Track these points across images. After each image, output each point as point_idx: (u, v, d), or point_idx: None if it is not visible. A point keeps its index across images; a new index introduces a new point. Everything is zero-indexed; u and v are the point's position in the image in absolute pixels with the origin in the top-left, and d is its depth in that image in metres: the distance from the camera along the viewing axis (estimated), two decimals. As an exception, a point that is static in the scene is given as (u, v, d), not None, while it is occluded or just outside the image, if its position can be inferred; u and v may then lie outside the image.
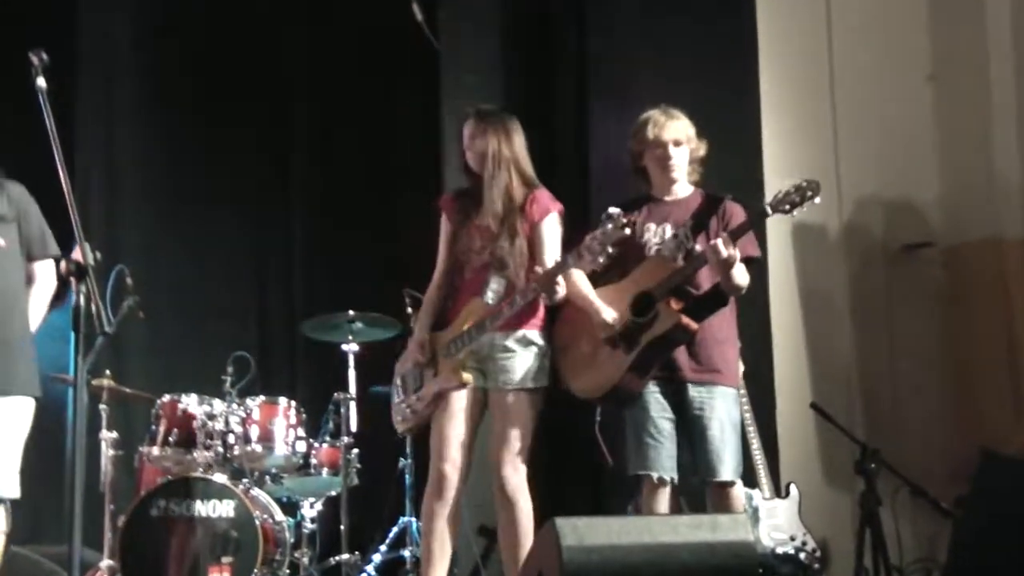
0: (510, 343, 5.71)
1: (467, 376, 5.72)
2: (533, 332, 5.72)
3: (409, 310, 6.97)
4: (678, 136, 5.77)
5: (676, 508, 5.80)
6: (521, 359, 5.71)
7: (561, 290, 5.56)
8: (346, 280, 7.39)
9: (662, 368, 5.64)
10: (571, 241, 5.59)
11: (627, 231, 5.32)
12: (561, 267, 5.50)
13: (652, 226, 5.78)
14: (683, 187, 5.83)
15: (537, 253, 5.75)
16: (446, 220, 6.01)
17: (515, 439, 5.69)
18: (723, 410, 5.64)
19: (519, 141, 5.88)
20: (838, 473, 7.16)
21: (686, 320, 5.50)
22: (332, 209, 8.73)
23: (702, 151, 5.85)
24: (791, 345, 7.41)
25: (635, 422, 5.70)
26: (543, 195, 5.85)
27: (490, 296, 5.74)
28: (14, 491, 5.17)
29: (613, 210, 5.32)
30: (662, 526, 4.95)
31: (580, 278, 5.73)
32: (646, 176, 5.89)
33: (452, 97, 7.87)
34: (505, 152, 5.83)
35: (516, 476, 5.68)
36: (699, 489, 5.74)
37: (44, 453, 5.75)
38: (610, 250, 5.34)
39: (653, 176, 5.87)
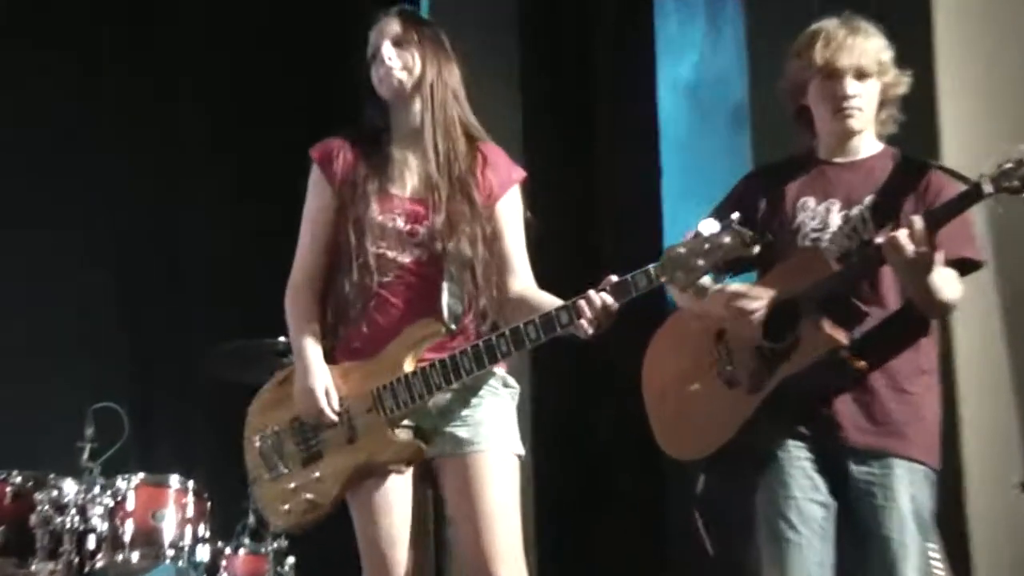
0: (487, 388, 4.33)
1: (422, 447, 4.29)
2: (502, 370, 4.38)
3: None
4: (863, 62, 4.35)
5: None
6: (500, 409, 4.33)
7: (610, 320, 4.06)
8: (268, 293, 5.23)
9: (811, 422, 4.26)
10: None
11: (754, 251, 3.96)
12: (628, 288, 3.94)
13: (810, 202, 4.40)
14: (868, 143, 4.43)
15: (496, 248, 4.39)
16: (324, 180, 4.48)
17: (508, 525, 4.29)
18: (906, 496, 4.19)
19: (457, 71, 4.48)
20: None
21: (844, 348, 4.17)
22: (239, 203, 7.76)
23: (902, 88, 4.41)
24: (988, 397, 5.89)
25: (768, 502, 4.32)
26: (499, 152, 4.46)
27: (447, 313, 4.27)
28: None
29: (733, 218, 3.92)
30: None
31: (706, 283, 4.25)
32: (809, 123, 4.45)
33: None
34: (448, 79, 4.42)
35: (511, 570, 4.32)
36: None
37: None
38: (714, 273, 3.98)
39: (820, 124, 4.46)
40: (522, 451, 4.39)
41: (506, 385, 4.33)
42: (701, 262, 3.92)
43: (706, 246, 3.91)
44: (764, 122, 6.01)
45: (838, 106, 4.35)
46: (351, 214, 4.38)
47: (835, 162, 4.49)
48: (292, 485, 4.42)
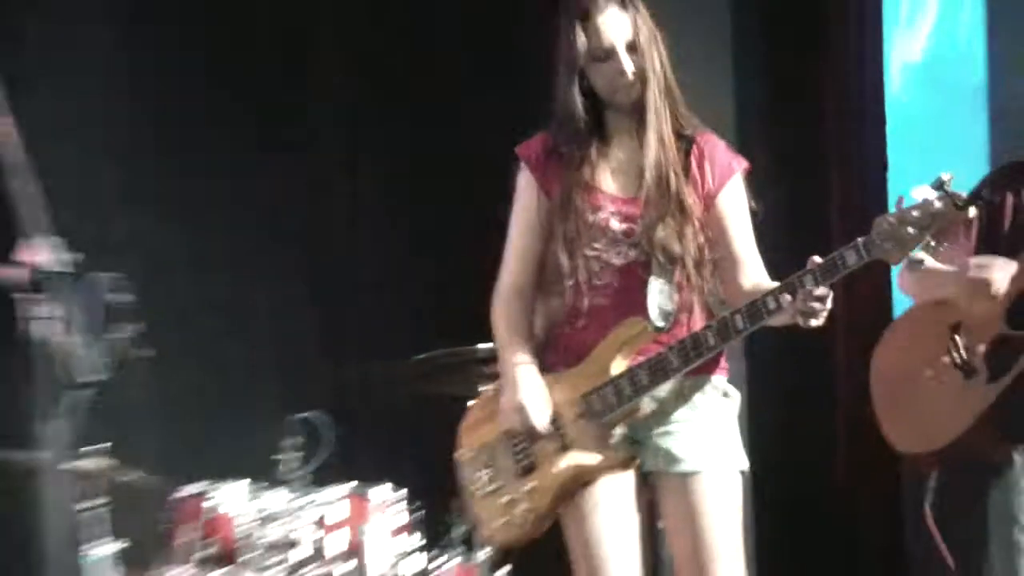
0: (703, 396, 4.36)
1: (631, 453, 4.37)
2: (721, 378, 4.40)
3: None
4: None
5: None
6: (720, 422, 4.39)
7: (826, 309, 4.08)
8: (466, 301, 5.57)
9: None
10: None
11: (970, 214, 4.00)
12: (836, 267, 3.98)
13: None
14: None
15: (722, 243, 4.35)
16: (535, 184, 4.49)
17: (727, 546, 4.37)
18: None
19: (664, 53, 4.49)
20: None
21: None
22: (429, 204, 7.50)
23: None
24: None
25: (1003, 510, 4.55)
26: (718, 143, 4.45)
27: (656, 312, 4.27)
28: None
29: (946, 176, 3.91)
30: None
31: (929, 276, 4.52)
32: None
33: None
34: (669, 79, 4.41)
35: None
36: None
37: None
38: (931, 242, 3.98)
39: None
40: (746, 466, 4.40)
41: (726, 395, 4.35)
42: (913, 231, 3.88)
43: (916, 213, 3.86)
44: (1005, 108, 6.09)
45: None
46: (563, 216, 4.39)
47: None
48: (507, 499, 4.46)
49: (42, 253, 3.65)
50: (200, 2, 7.66)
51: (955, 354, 4.55)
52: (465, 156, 6.88)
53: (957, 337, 4.54)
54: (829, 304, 3.97)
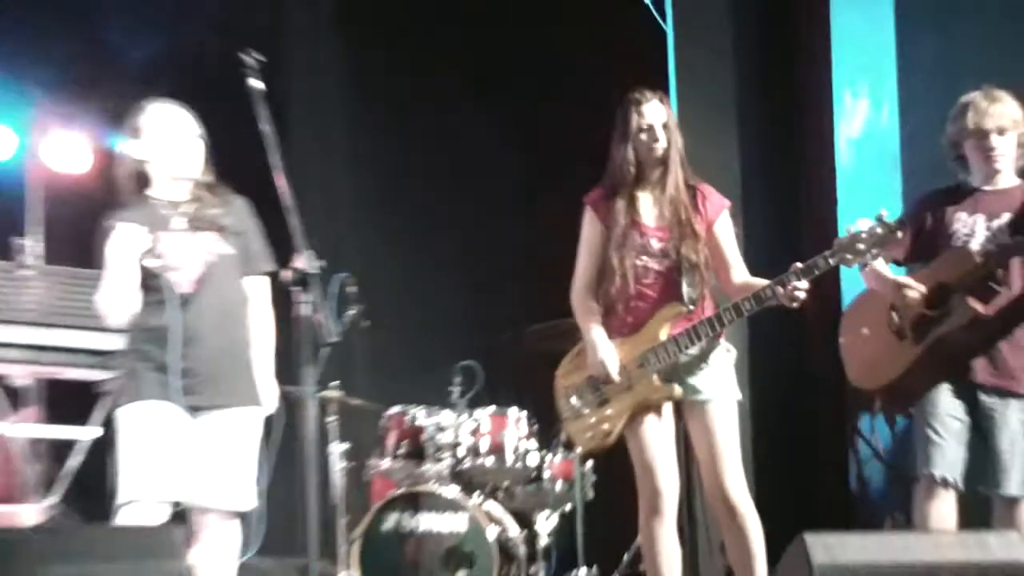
0: (706, 354, 5.27)
1: (677, 389, 5.22)
2: (726, 345, 5.34)
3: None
4: (1003, 123, 5.29)
5: (960, 518, 5.24)
6: (719, 369, 5.29)
7: (804, 294, 4.99)
8: (563, 293, 6.79)
9: (957, 369, 5.26)
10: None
11: (898, 235, 4.90)
12: (811, 269, 4.93)
13: (963, 216, 5.33)
14: (1007, 177, 5.36)
15: (717, 254, 5.31)
16: (596, 219, 5.45)
17: (732, 451, 5.29)
18: (1016, 421, 5.20)
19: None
20: None
21: (983, 317, 5.12)
22: (550, 214, 7.91)
23: None
24: None
25: (922, 418, 5.29)
26: (711, 189, 5.41)
27: (687, 299, 5.24)
28: (248, 503, 5.09)
29: (882, 214, 4.90)
30: (923, 544, 4.61)
31: (879, 268, 5.37)
32: (965, 165, 5.41)
33: (684, 81, 7.36)
34: (680, 149, 5.34)
35: (741, 489, 5.24)
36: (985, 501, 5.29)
37: (277, 464, 5.44)
38: (874, 252, 4.93)
39: (974, 165, 5.37)
40: (740, 396, 5.34)
41: (728, 351, 5.26)
42: (862, 246, 4.82)
43: (864, 235, 4.80)
44: (913, 169, 6.73)
45: (987, 155, 5.24)
46: (615, 238, 5.33)
47: (984, 189, 5.31)
48: (592, 421, 5.43)
49: (303, 261, 4.56)
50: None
51: (891, 324, 5.34)
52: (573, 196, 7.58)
53: (893, 313, 5.33)
54: (805, 294, 4.91)
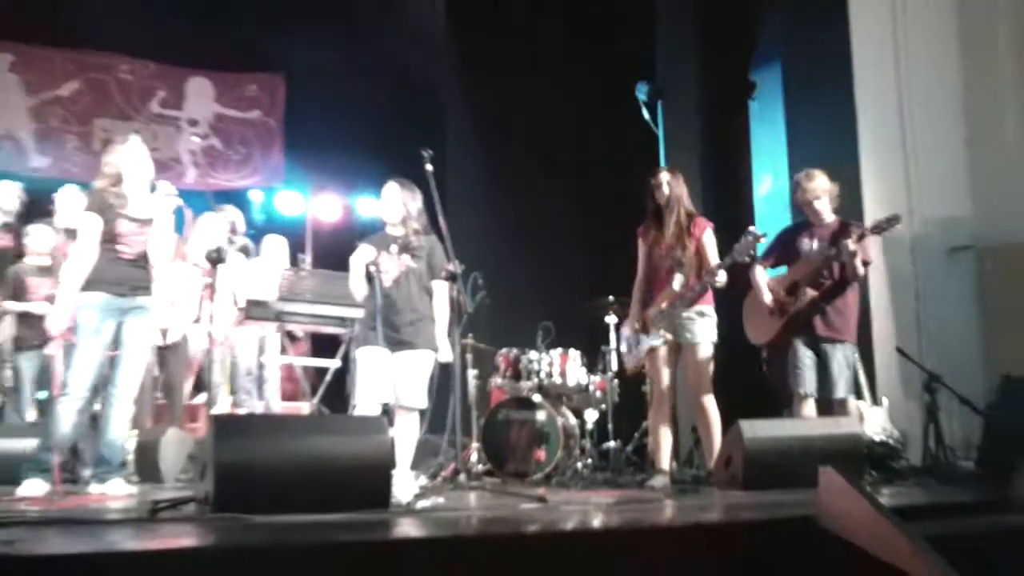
0: (692, 314, 6.08)
1: (668, 336, 6.16)
2: (707, 307, 6.12)
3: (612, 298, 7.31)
4: (818, 193, 6.18)
5: (819, 414, 6.10)
6: (701, 324, 6.09)
7: (722, 278, 5.92)
8: (605, 279, 7.59)
9: (806, 328, 6.09)
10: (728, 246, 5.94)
11: (759, 239, 5.80)
12: (722, 265, 5.93)
13: (806, 240, 6.20)
14: (828, 216, 6.20)
15: (703, 257, 6.11)
16: (642, 243, 6.34)
17: (703, 374, 6.08)
18: (842, 355, 6.07)
19: (684, 186, 6.26)
20: (913, 391, 7.38)
21: (816, 300, 6.00)
22: (590, 239, 8.92)
23: (836, 192, 6.20)
24: (884, 314, 7.74)
25: (791, 358, 6.12)
26: (700, 219, 6.18)
27: (676, 285, 6.13)
28: (422, 403, 5.77)
29: (751, 229, 5.86)
30: (807, 424, 5.64)
31: (759, 272, 6.23)
32: (804, 214, 6.30)
33: (670, 160, 7.83)
34: (679, 192, 6.19)
35: (707, 397, 6.08)
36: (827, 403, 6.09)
37: (440, 384, 6.08)
38: (752, 253, 5.87)
39: (810, 214, 6.26)
40: (715, 340, 6.08)
41: (703, 314, 6.08)
42: (742, 246, 5.76)
43: (744, 242, 5.77)
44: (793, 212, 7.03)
45: (812, 210, 6.16)
46: (652, 251, 6.22)
47: (815, 225, 6.17)
48: (631, 355, 6.39)
49: (453, 266, 5.56)
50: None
51: (771, 305, 6.19)
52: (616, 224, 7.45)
53: (771, 298, 6.20)
54: (724, 277, 5.83)
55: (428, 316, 5.86)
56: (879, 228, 5.90)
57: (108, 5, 9.86)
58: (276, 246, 8.66)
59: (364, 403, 5.62)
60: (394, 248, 5.81)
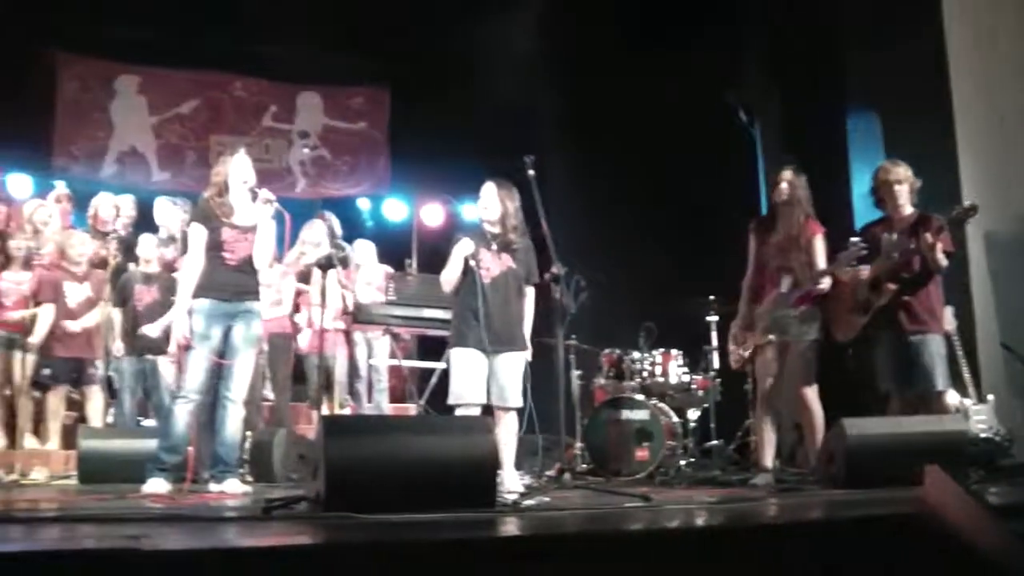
0: (796, 313, 6.04)
1: (772, 336, 6.11)
2: (812, 308, 6.07)
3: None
4: (900, 178, 6.02)
5: (913, 412, 5.86)
6: (804, 322, 6.04)
7: (826, 284, 5.90)
8: (706, 279, 7.64)
9: (891, 323, 5.94)
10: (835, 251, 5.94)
11: (863, 252, 5.77)
12: (826, 271, 5.94)
13: (885, 234, 6.02)
14: (906, 207, 6.06)
15: (812, 260, 6.07)
16: (753, 239, 6.32)
17: (807, 371, 6.01)
18: (933, 347, 5.89)
19: (806, 188, 6.21)
20: (1020, 388, 7.26)
21: (899, 295, 5.88)
22: (690, 238, 8.88)
23: (918, 184, 6.08)
24: (988, 310, 7.54)
25: (879, 357, 5.97)
26: (814, 223, 6.14)
27: (784, 286, 6.11)
28: (522, 402, 5.70)
29: (854, 240, 5.82)
30: (910, 421, 5.51)
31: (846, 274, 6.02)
32: (882, 201, 6.16)
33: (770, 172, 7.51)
34: (800, 194, 6.16)
35: (811, 391, 6.00)
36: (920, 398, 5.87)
37: (540, 384, 5.97)
38: (854, 263, 5.85)
39: (887, 204, 6.12)
40: (818, 338, 6.02)
41: (805, 313, 6.01)
42: (847, 257, 5.75)
43: (850, 251, 5.74)
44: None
45: (892, 198, 6.02)
46: (762, 250, 6.18)
47: (895, 217, 6.03)
48: (738, 352, 6.31)
49: (556, 268, 5.52)
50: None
51: (852, 304, 6.02)
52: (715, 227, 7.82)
53: (854, 296, 6.02)
54: (828, 283, 5.86)
55: (522, 318, 5.85)
56: (957, 218, 5.73)
57: (224, 30, 10.28)
58: (368, 251, 8.81)
59: (464, 404, 5.59)
60: (494, 246, 5.79)
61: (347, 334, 8.20)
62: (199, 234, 5.94)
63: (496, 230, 5.80)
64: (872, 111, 8.19)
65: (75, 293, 7.86)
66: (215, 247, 5.89)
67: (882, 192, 6.13)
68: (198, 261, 5.91)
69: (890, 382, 5.97)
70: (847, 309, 6.14)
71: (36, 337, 7.68)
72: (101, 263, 8.09)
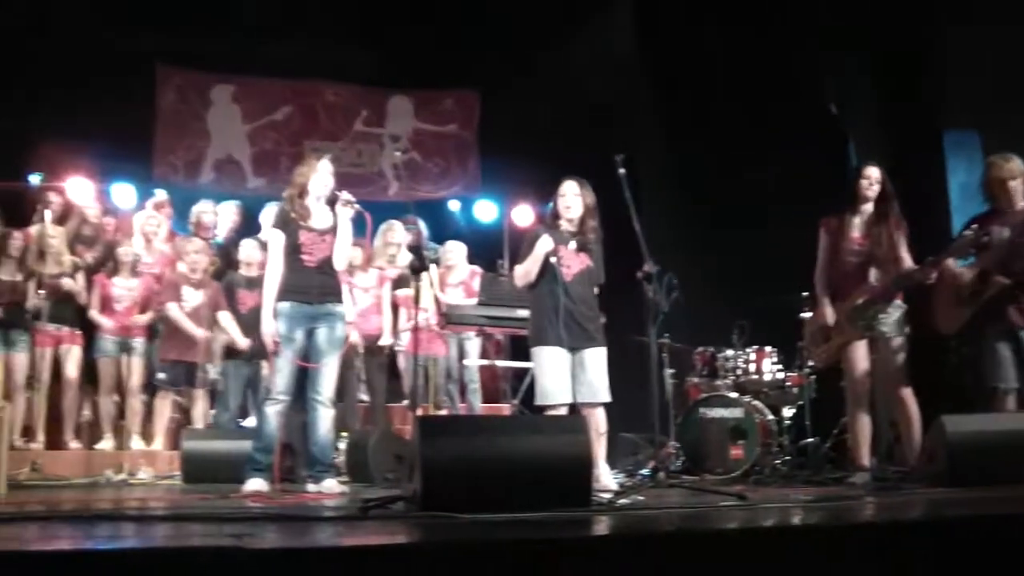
0: (890, 309, 5.96)
1: (862, 332, 6.02)
2: (899, 302, 6.01)
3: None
4: (1014, 173, 5.96)
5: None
6: (894, 316, 5.99)
7: (934, 274, 5.84)
8: (799, 275, 7.12)
9: (1000, 318, 5.85)
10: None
11: (985, 239, 5.74)
12: (936, 261, 5.82)
13: (995, 227, 5.93)
14: (1019, 201, 5.98)
15: (896, 253, 6.01)
16: (825, 234, 6.24)
17: (900, 367, 5.95)
18: None
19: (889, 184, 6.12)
20: None
21: (1008, 288, 5.76)
22: (782, 234, 8.18)
23: None
24: None
25: (988, 354, 5.89)
26: (900, 219, 6.08)
27: (872, 280, 6.05)
28: (606, 398, 5.76)
29: (973, 227, 5.78)
30: (1015, 418, 5.45)
31: (950, 262, 5.95)
32: (994, 197, 6.06)
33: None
34: (892, 189, 6.12)
35: (905, 389, 5.93)
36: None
37: (633, 383, 6.29)
38: (972, 251, 5.80)
39: (1000, 199, 6.03)
40: (908, 331, 5.98)
41: (894, 307, 5.99)
42: (963, 244, 5.73)
43: (964, 238, 5.72)
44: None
45: (1004, 192, 5.93)
46: (840, 244, 6.12)
47: (1006, 211, 5.95)
48: (822, 348, 6.30)
49: (648, 266, 5.59)
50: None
51: (958, 296, 5.99)
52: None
53: (959, 290, 5.98)
54: (935, 273, 5.76)
55: (598, 314, 5.91)
56: None
57: (315, 38, 10.49)
58: (459, 252, 8.91)
59: (552, 403, 5.66)
60: (573, 244, 5.87)
61: (440, 335, 8.26)
62: (277, 239, 6.05)
63: (575, 228, 5.87)
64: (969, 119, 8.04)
65: (192, 298, 8.05)
66: (294, 250, 5.99)
67: (993, 188, 6.08)
68: (277, 265, 6.03)
69: (999, 378, 5.85)
70: (951, 302, 6.07)
71: (220, 340, 7.99)
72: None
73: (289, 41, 10.55)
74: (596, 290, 5.93)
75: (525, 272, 5.86)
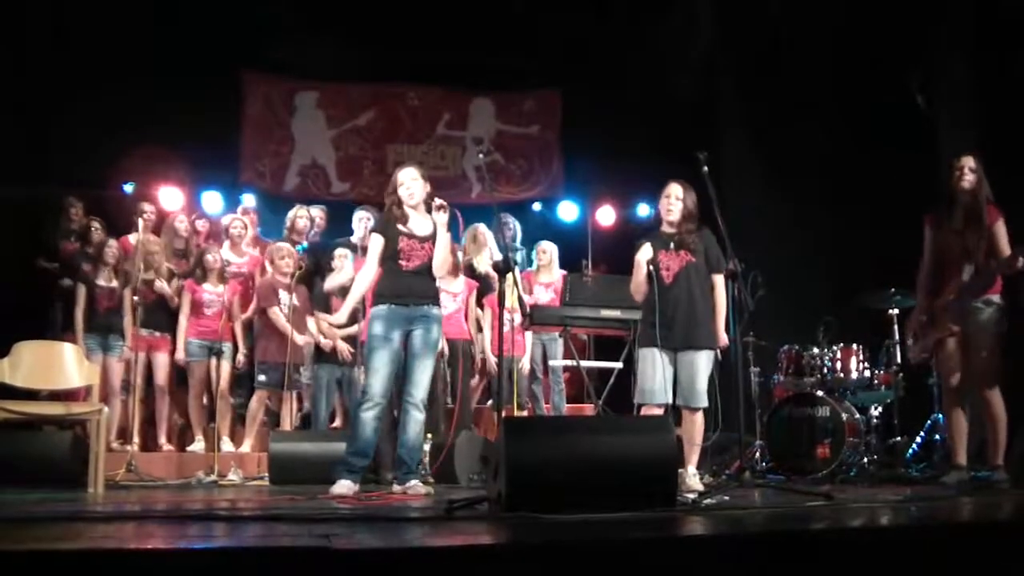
0: (979, 304, 5.87)
1: (954, 327, 5.93)
2: (995, 296, 5.87)
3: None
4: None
5: None
6: (987, 313, 5.87)
7: (1022, 263, 5.62)
8: (886, 271, 7.33)
9: None
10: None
11: None
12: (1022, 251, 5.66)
13: None
14: None
15: (994, 246, 5.89)
16: (929, 229, 6.18)
17: (989, 365, 5.84)
18: None
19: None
20: None
21: None
22: (867, 230, 8.49)
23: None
24: None
25: None
26: (993, 208, 5.97)
27: (966, 275, 5.92)
28: (706, 402, 5.84)
29: None
30: None
31: None
32: None
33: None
34: (982, 180, 6.01)
35: (991, 390, 5.84)
36: None
37: (719, 382, 6.05)
38: None
39: None
40: (1003, 330, 5.83)
41: (989, 303, 5.88)
42: None
43: None
44: None
45: None
46: (941, 239, 6.04)
47: None
48: (918, 346, 6.21)
49: (733, 264, 5.48)
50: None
51: None
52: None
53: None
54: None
55: (708, 314, 5.90)
56: None
57: (397, 41, 10.56)
58: (546, 253, 8.91)
59: (648, 403, 5.72)
60: (671, 245, 5.92)
61: (525, 336, 8.28)
62: (376, 243, 6.11)
63: (674, 231, 5.95)
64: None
65: (285, 301, 8.19)
66: (392, 256, 6.03)
67: None
68: (371, 270, 6.11)
69: None
70: None
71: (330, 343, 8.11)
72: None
73: (371, 46, 10.66)
74: (719, 279, 5.92)
75: (635, 285, 5.98)
